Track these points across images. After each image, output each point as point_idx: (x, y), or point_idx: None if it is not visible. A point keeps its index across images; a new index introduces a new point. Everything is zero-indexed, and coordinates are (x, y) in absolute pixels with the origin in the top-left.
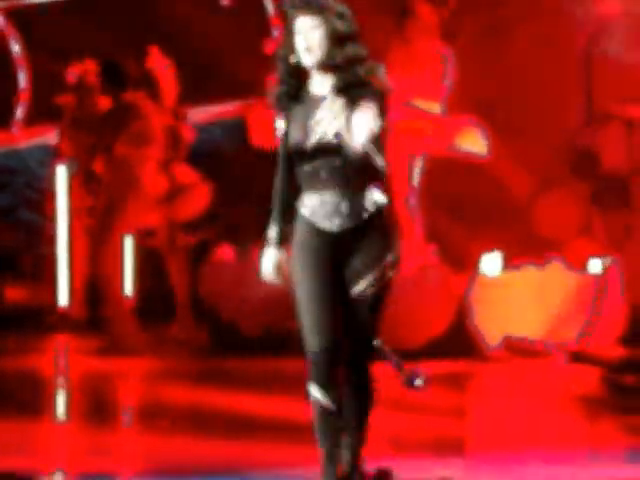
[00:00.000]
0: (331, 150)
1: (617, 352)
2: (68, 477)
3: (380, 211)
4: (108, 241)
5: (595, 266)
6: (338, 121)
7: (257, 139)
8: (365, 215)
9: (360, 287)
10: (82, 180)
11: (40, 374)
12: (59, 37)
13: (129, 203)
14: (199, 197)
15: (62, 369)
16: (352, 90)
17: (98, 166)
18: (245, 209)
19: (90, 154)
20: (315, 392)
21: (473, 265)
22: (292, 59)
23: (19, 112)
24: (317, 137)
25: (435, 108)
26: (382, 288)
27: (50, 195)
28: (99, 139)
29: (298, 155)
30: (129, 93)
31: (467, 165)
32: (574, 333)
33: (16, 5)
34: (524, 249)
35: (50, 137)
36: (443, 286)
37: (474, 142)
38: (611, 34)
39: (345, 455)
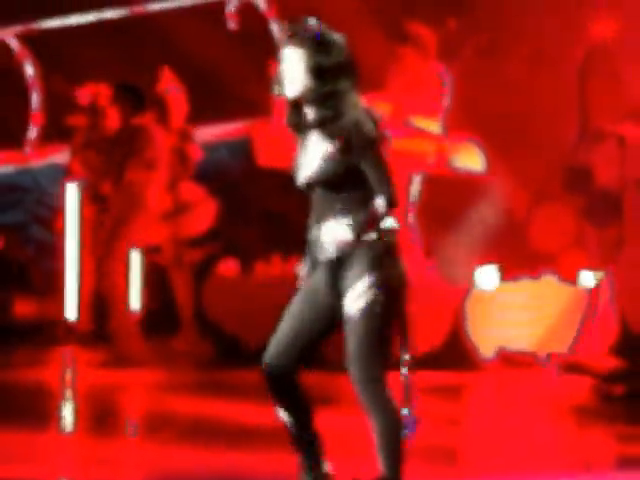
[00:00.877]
0: (314, 186)
1: (608, 363)
2: None
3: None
4: (114, 258)
5: (587, 279)
6: (315, 159)
7: (262, 159)
8: (337, 247)
9: (343, 309)
10: (90, 199)
11: (47, 386)
12: (71, 60)
13: (134, 222)
14: (205, 214)
15: (69, 381)
16: (327, 126)
17: (106, 187)
18: (249, 226)
19: (99, 175)
20: (275, 406)
21: (469, 278)
22: (276, 90)
23: (32, 132)
24: (304, 174)
25: (434, 127)
26: (365, 313)
27: (60, 212)
28: (108, 161)
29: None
30: (139, 116)
31: (463, 181)
32: (566, 344)
33: (30, 29)
34: (519, 263)
35: (61, 157)
36: (439, 299)
37: (472, 159)
38: (606, 52)
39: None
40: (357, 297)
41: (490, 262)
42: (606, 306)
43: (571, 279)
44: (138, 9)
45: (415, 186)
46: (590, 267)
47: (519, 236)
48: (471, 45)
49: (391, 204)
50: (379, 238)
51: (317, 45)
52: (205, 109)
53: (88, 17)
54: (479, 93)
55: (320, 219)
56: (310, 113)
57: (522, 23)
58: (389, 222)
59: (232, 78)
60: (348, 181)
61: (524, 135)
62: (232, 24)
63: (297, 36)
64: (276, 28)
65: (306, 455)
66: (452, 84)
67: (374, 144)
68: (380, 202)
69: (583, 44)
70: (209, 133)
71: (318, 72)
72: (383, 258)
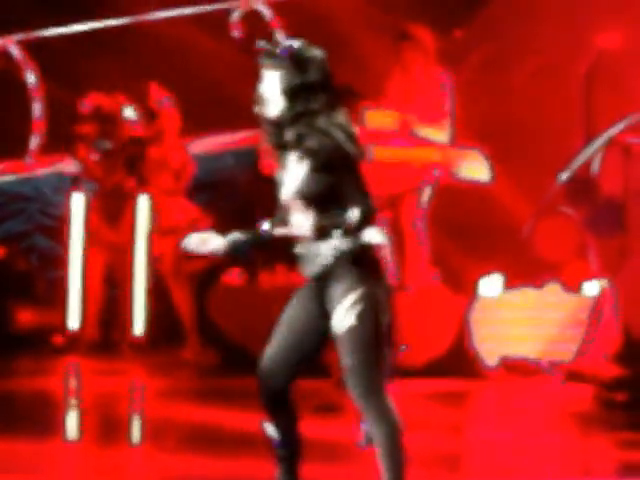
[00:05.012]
0: (295, 203)
1: (610, 371)
2: None
3: (345, 255)
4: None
5: (590, 288)
6: (294, 178)
7: (268, 168)
8: (327, 261)
9: (333, 325)
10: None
11: (50, 394)
12: (73, 68)
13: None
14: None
15: (72, 390)
16: (304, 145)
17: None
18: None
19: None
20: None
21: (473, 287)
22: (257, 110)
23: (34, 141)
24: (285, 192)
25: (440, 136)
26: (354, 328)
27: (65, 221)
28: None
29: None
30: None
31: (468, 190)
32: (570, 353)
33: (32, 37)
34: (522, 272)
35: (64, 165)
36: (444, 307)
37: (478, 169)
38: (611, 62)
39: None
40: (345, 313)
41: (494, 271)
42: (609, 315)
43: (575, 288)
44: (142, 18)
45: (424, 195)
46: (593, 276)
47: (523, 245)
48: (477, 55)
49: (366, 216)
50: (363, 252)
51: (292, 66)
52: (210, 118)
53: (91, 25)
54: (484, 103)
55: (302, 236)
56: (288, 132)
57: (527, 33)
58: (374, 236)
59: (237, 87)
60: (328, 199)
61: (529, 145)
62: (237, 33)
63: (273, 57)
64: (279, 35)
65: (284, 471)
66: (456, 92)
67: (350, 162)
68: (355, 213)
69: (588, 54)
70: (215, 142)
71: (293, 93)
72: (368, 272)
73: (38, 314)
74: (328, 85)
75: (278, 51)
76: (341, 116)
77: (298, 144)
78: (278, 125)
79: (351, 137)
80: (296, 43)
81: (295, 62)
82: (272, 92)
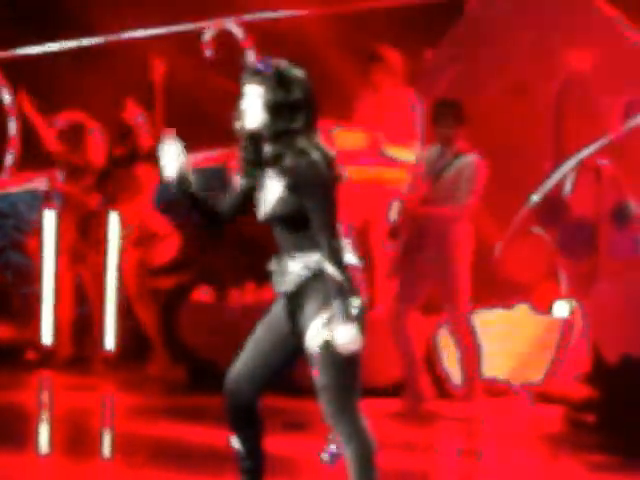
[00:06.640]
0: (273, 220)
1: (580, 392)
2: None
3: (317, 274)
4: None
5: (560, 310)
6: (269, 196)
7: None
8: (300, 279)
9: (306, 343)
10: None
11: (23, 409)
12: (48, 87)
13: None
14: (169, 246)
15: (44, 404)
16: (280, 164)
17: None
18: (224, 253)
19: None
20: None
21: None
22: (237, 125)
23: (9, 158)
24: (262, 209)
25: (409, 156)
26: (328, 347)
27: (38, 237)
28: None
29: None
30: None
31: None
32: (539, 374)
33: (6, 56)
34: (492, 293)
35: (39, 182)
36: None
37: None
38: (582, 83)
39: None
40: (318, 331)
41: None
42: (579, 336)
43: (544, 309)
44: (116, 37)
45: (393, 214)
46: (564, 298)
47: (493, 266)
48: (447, 76)
49: (331, 255)
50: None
51: (276, 83)
52: (182, 137)
53: (66, 44)
54: None
55: (279, 252)
56: (267, 150)
57: (498, 54)
58: (347, 257)
59: (209, 106)
60: (302, 219)
61: (500, 165)
62: (208, 52)
63: (257, 73)
64: (251, 57)
65: None
66: (426, 113)
67: (323, 186)
68: (323, 253)
69: (559, 75)
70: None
71: (275, 109)
72: (340, 295)
73: (13, 329)
74: (311, 105)
75: (262, 68)
76: (319, 139)
77: (276, 162)
78: (256, 141)
79: (328, 159)
80: (281, 62)
81: (279, 80)
82: (254, 107)
